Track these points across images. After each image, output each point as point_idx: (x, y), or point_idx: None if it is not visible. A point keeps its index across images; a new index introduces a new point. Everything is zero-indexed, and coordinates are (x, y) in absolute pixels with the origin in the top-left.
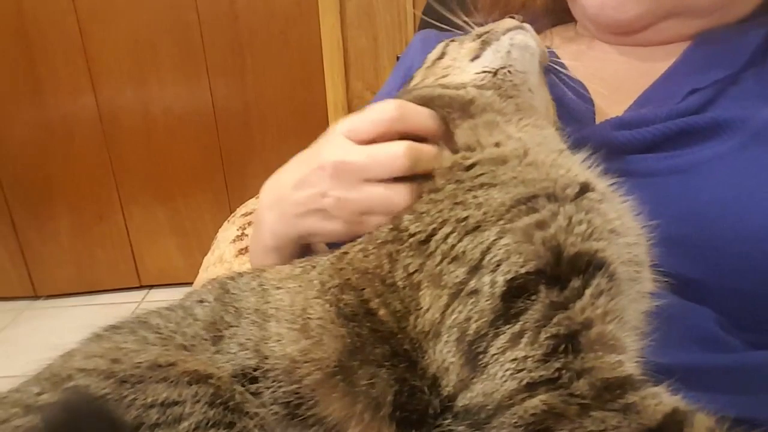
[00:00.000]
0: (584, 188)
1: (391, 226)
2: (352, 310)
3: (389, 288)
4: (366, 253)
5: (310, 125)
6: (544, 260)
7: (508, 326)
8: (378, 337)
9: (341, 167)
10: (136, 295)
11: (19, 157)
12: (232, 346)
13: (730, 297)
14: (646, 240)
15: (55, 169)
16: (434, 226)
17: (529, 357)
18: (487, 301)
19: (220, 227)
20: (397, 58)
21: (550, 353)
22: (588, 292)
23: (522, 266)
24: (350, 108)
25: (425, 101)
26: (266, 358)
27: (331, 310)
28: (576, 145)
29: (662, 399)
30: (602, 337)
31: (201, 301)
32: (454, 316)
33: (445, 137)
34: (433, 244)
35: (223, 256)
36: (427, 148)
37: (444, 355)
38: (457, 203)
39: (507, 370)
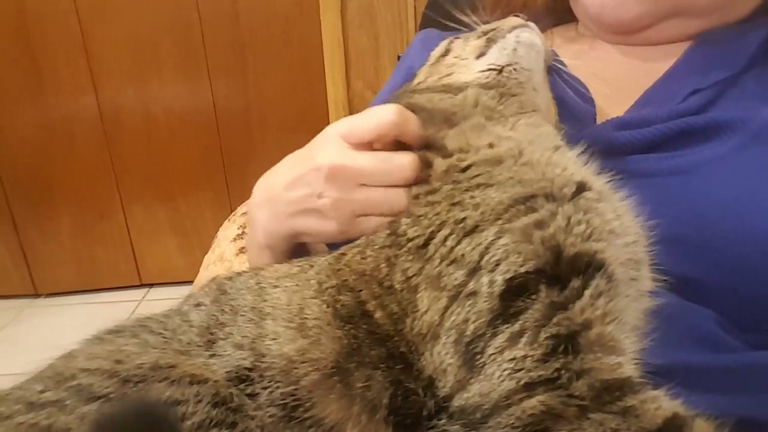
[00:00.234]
0: (581, 187)
1: (388, 231)
2: (348, 312)
3: (387, 291)
4: (364, 256)
5: (311, 125)
6: (544, 260)
7: (506, 326)
8: (374, 339)
9: (339, 170)
10: (137, 294)
11: (20, 156)
12: (226, 347)
13: (730, 297)
14: (645, 238)
15: (56, 168)
16: (432, 229)
17: (528, 357)
18: (485, 301)
19: (221, 226)
20: (398, 57)
21: (549, 353)
22: (587, 292)
23: (521, 266)
24: (351, 107)
25: (412, 109)
26: (263, 357)
27: (328, 311)
28: (576, 145)
29: (662, 403)
30: (601, 339)
31: (198, 305)
32: (452, 318)
33: (425, 146)
34: (431, 247)
35: (224, 255)
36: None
37: (442, 357)
38: (454, 204)
39: (505, 370)
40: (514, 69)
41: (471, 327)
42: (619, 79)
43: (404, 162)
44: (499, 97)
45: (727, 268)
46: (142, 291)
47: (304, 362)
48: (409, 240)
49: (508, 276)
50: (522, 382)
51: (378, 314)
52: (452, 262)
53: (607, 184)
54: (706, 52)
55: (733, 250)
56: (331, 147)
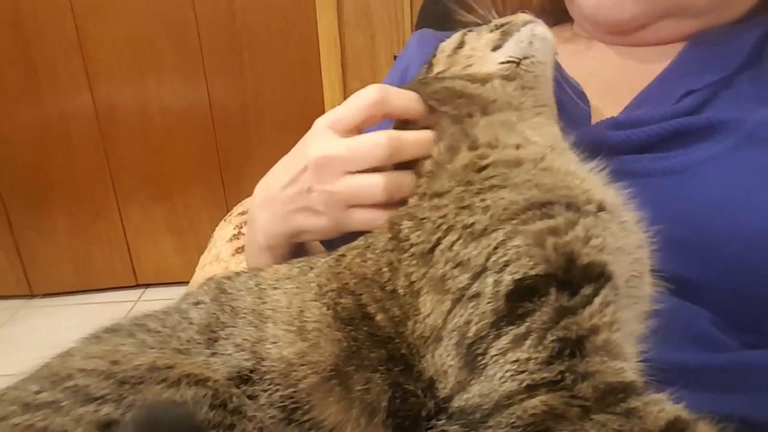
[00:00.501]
0: (601, 207)
1: (390, 235)
2: (349, 314)
3: (389, 295)
4: (364, 259)
5: (308, 124)
6: (556, 265)
7: (511, 327)
8: (374, 341)
9: (323, 161)
10: (133, 294)
11: (16, 155)
12: (227, 347)
13: (726, 297)
14: (648, 248)
15: (52, 167)
16: (438, 235)
17: (532, 359)
18: (488, 302)
19: (217, 226)
20: (395, 57)
21: (554, 356)
22: (597, 300)
23: (532, 268)
24: None
25: (451, 93)
26: (263, 360)
27: (328, 314)
28: (572, 146)
29: (665, 406)
30: (608, 344)
31: (197, 303)
32: (455, 321)
33: (431, 121)
34: (438, 253)
35: (220, 255)
36: (409, 135)
37: (443, 359)
38: (463, 207)
39: (507, 372)
40: (531, 62)
41: (473, 329)
42: (614, 80)
43: (377, 140)
44: (521, 89)
45: (722, 268)
46: (138, 291)
47: (303, 365)
48: (413, 245)
49: (517, 276)
50: (524, 384)
51: (379, 317)
52: (458, 265)
53: (618, 197)
54: (701, 52)
55: (728, 250)
56: (320, 139)
